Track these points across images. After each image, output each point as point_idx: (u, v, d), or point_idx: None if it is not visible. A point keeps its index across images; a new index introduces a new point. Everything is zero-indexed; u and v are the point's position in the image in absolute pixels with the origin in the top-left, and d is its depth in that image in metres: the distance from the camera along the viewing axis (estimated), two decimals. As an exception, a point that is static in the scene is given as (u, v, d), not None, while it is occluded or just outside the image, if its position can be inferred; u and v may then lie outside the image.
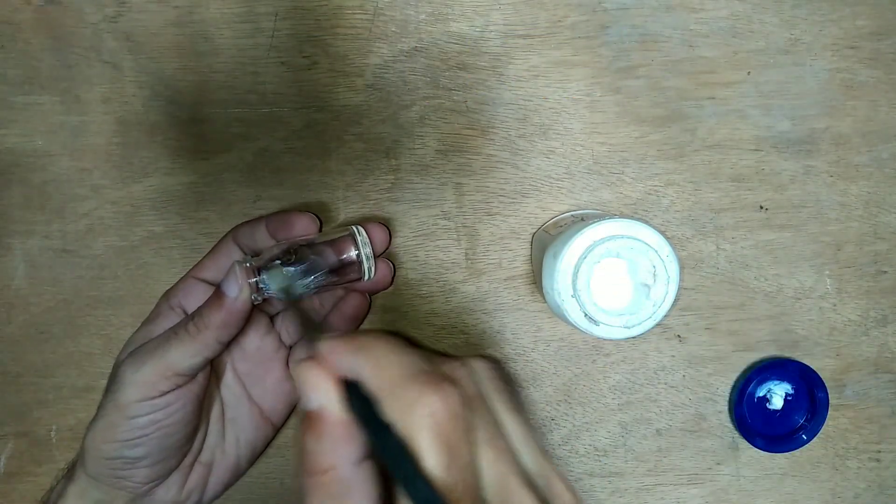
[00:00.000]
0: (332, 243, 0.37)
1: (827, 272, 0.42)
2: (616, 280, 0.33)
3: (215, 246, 0.38)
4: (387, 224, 0.41)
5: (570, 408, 0.43)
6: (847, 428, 0.43)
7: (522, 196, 0.41)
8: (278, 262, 0.34)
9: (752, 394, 0.42)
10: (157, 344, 0.34)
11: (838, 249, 0.42)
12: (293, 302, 0.34)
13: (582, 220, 0.35)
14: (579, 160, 0.41)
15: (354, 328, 0.41)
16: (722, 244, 0.42)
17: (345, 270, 0.37)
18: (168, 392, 0.34)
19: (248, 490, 0.42)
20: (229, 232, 0.38)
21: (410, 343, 0.25)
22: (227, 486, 0.39)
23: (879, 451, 0.44)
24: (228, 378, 0.39)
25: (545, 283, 0.35)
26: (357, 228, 0.37)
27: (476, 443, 0.23)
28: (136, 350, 0.34)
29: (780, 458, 0.43)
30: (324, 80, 0.40)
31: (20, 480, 0.42)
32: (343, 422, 0.23)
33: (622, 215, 0.40)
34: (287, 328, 0.40)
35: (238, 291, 0.34)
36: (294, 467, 0.24)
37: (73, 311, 0.42)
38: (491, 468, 0.23)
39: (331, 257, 0.36)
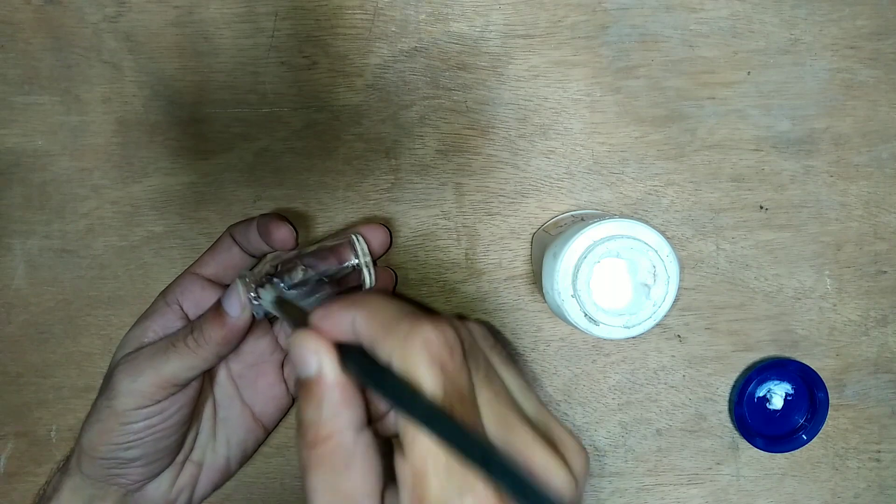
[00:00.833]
0: (332, 253, 0.37)
1: (827, 272, 0.42)
2: (616, 280, 0.33)
3: (215, 243, 0.38)
4: (387, 225, 0.41)
5: (570, 408, 0.43)
6: (847, 428, 0.43)
7: (522, 196, 0.41)
8: (280, 282, 0.34)
9: (752, 394, 0.42)
10: (155, 353, 0.34)
11: (838, 249, 0.42)
12: (281, 300, 0.33)
13: (582, 220, 0.35)
14: (579, 160, 0.41)
15: None
16: (722, 244, 0.42)
17: (345, 280, 0.37)
18: (163, 399, 0.34)
19: (247, 490, 0.43)
20: (227, 229, 0.38)
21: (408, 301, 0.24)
22: (217, 486, 0.39)
23: (879, 451, 0.44)
24: (222, 378, 0.39)
25: (545, 283, 0.35)
26: (356, 237, 0.37)
27: (473, 382, 0.22)
28: (133, 357, 0.34)
29: (780, 458, 0.43)
30: (324, 80, 0.40)
31: (20, 480, 0.42)
32: (341, 384, 0.23)
33: (622, 215, 0.40)
34: (285, 331, 0.40)
35: (240, 311, 0.33)
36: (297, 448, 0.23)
37: (73, 311, 0.42)
38: (489, 406, 0.22)
39: (331, 268, 0.36)
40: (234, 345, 0.35)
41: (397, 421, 0.21)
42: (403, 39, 0.40)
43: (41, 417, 0.42)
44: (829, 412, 0.42)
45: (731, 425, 0.43)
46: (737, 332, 0.42)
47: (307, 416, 0.23)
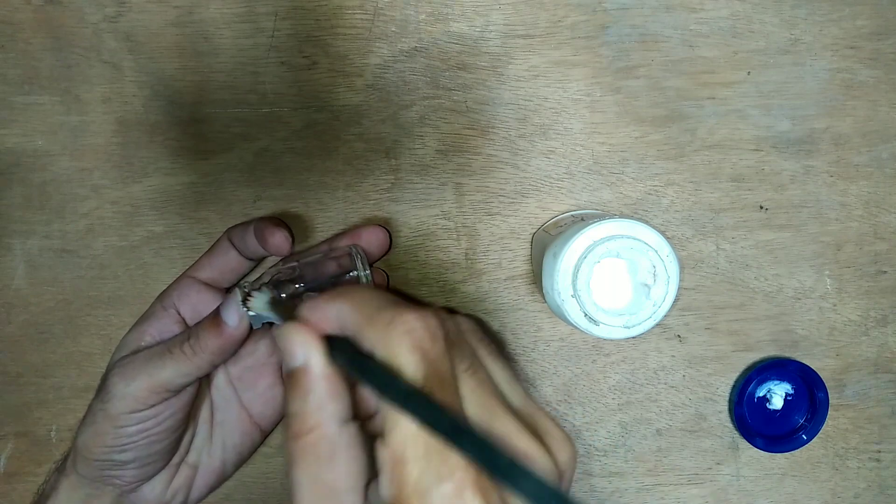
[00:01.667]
0: (330, 266, 0.37)
1: (827, 272, 0.42)
2: (616, 280, 0.33)
3: (212, 246, 0.38)
4: (387, 225, 0.41)
5: (570, 408, 0.43)
6: (847, 428, 0.43)
7: (522, 196, 0.41)
8: (279, 293, 0.34)
9: (752, 394, 0.42)
10: (150, 358, 0.34)
11: (838, 249, 0.42)
12: (275, 300, 0.33)
13: (582, 220, 0.35)
14: (579, 160, 0.41)
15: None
16: (722, 244, 0.42)
17: None
18: (157, 404, 0.34)
19: (247, 490, 0.43)
20: (225, 232, 0.38)
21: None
22: (212, 488, 0.39)
23: (879, 451, 0.44)
24: (220, 380, 0.39)
25: (545, 283, 0.35)
26: (355, 250, 0.37)
27: (457, 372, 0.22)
28: (128, 361, 0.34)
29: (780, 458, 0.43)
30: (324, 80, 0.40)
31: (20, 480, 0.42)
32: (328, 376, 0.23)
33: (622, 215, 0.40)
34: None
35: (238, 321, 0.33)
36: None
37: (73, 311, 0.42)
38: (473, 394, 0.22)
39: (329, 280, 0.36)
40: (230, 354, 0.34)
41: (381, 410, 0.21)
42: (403, 39, 0.40)
43: (41, 417, 0.42)
44: (829, 412, 0.42)
45: (731, 425, 0.43)
46: (737, 332, 0.42)
47: (293, 407, 0.23)
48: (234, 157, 0.41)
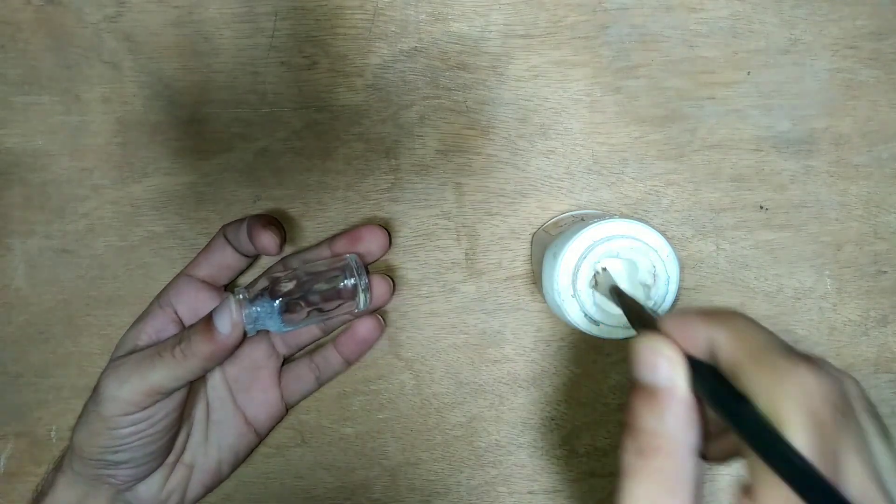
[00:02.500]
0: (328, 273, 0.37)
1: (827, 272, 0.42)
2: (616, 280, 0.33)
3: (208, 243, 0.38)
4: (387, 225, 0.41)
5: (571, 408, 0.43)
6: (847, 428, 0.43)
7: (522, 196, 0.41)
8: (274, 301, 0.34)
9: (752, 394, 0.42)
10: (141, 360, 0.34)
11: (838, 249, 0.42)
12: (617, 289, 0.31)
13: (582, 220, 0.35)
14: (579, 160, 0.41)
15: (365, 350, 0.41)
16: (722, 244, 0.42)
17: (340, 301, 0.37)
18: (149, 406, 0.34)
19: (247, 490, 0.43)
20: (221, 229, 0.38)
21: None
22: (208, 489, 0.39)
23: (879, 451, 0.44)
24: (216, 380, 0.39)
25: (545, 283, 0.35)
26: (353, 258, 0.37)
27: (842, 447, 0.20)
28: (121, 362, 0.34)
29: (780, 458, 0.43)
30: (324, 80, 0.40)
31: (20, 480, 0.42)
32: (688, 402, 0.22)
33: (622, 215, 0.40)
34: (282, 337, 0.40)
35: (230, 328, 0.33)
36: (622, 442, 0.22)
37: (73, 311, 0.42)
38: (854, 478, 0.20)
39: (325, 287, 0.36)
40: (222, 360, 0.34)
41: (748, 461, 0.20)
42: (403, 39, 0.40)
43: (41, 417, 0.42)
44: (829, 412, 0.42)
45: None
46: (737, 332, 0.42)
47: (646, 423, 0.22)
48: (234, 157, 0.41)
